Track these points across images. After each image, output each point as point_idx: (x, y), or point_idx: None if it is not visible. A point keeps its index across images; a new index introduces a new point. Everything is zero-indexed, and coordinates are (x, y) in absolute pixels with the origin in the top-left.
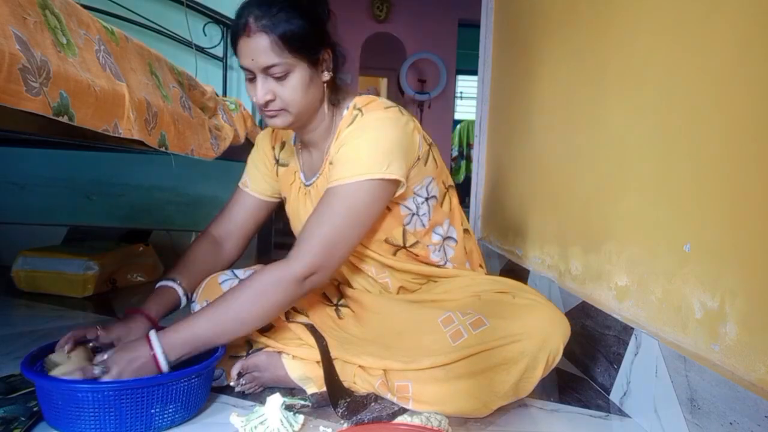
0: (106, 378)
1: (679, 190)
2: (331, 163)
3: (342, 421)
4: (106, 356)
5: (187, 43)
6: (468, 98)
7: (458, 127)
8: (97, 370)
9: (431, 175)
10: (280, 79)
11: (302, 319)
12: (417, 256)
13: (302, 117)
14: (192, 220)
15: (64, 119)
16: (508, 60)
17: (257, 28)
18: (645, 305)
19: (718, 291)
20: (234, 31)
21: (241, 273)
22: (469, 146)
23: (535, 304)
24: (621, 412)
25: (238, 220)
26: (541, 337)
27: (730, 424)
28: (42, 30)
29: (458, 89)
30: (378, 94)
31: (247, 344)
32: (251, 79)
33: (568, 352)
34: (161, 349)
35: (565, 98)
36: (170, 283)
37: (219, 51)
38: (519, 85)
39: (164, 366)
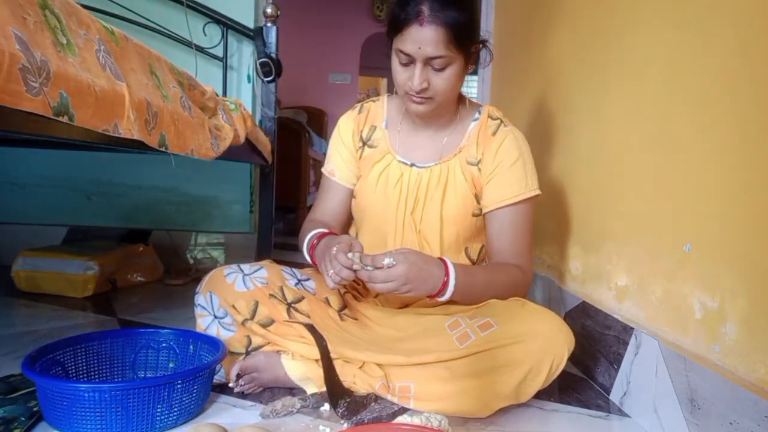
0: (395, 269)
1: (679, 190)
2: (471, 164)
3: (342, 421)
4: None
5: (187, 43)
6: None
7: None
8: (387, 260)
9: None
10: (438, 70)
11: (303, 318)
12: None
13: (444, 106)
14: (192, 220)
15: (64, 119)
16: (508, 60)
17: (431, 19)
18: (645, 305)
19: (718, 291)
20: (404, 16)
21: (247, 267)
22: None
23: (543, 312)
24: (621, 412)
25: (334, 210)
26: (547, 340)
27: (730, 424)
28: (42, 30)
29: None
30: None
31: (246, 339)
32: (406, 63)
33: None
34: (454, 276)
35: (564, 97)
36: (323, 230)
37: (219, 51)
38: (519, 84)
39: (449, 290)
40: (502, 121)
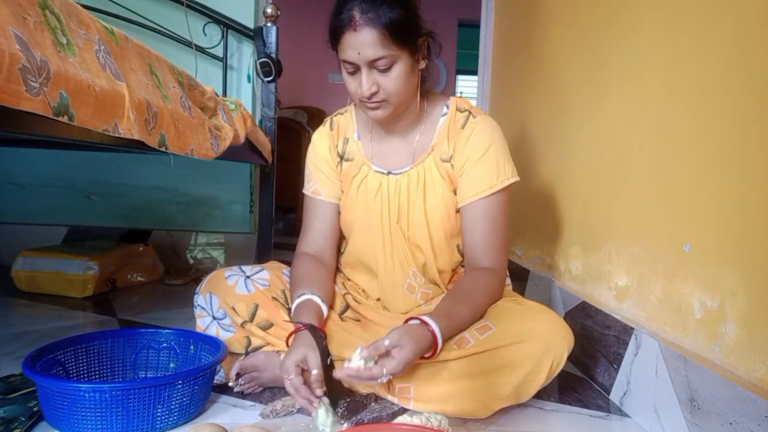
0: (400, 355)
1: (679, 190)
2: (445, 160)
3: (342, 421)
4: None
5: (187, 43)
6: (468, 98)
7: None
8: (387, 342)
9: None
10: (384, 71)
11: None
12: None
13: (401, 107)
14: (192, 220)
15: (64, 119)
16: (508, 60)
17: (364, 22)
18: (645, 305)
19: (718, 291)
20: (337, 25)
21: (249, 269)
22: None
23: (541, 311)
24: (621, 412)
25: (326, 232)
26: (546, 340)
27: (730, 424)
28: (42, 30)
29: (458, 89)
30: None
31: (246, 340)
32: (353, 72)
33: (569, 353)
34: (440, 333)
35: (565, 97)
36: (311, 297)
37: (219, 51)
38: (519, 84)
39: (440, 346)
40: (470, 113)
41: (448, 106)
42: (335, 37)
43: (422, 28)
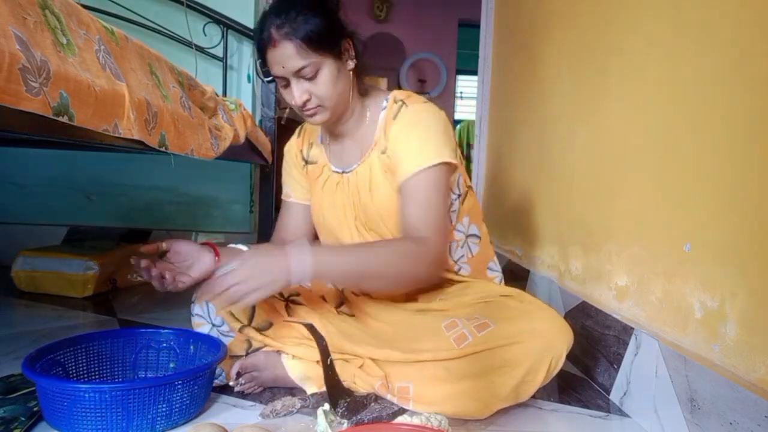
0: (234, 268)
1: (679, 190)
2: (383, 153)
3: (342, 421)
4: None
5: (187, 43)
6: (468, 98)
7: (458, 127)
8: (231, 265)
9: (459, 171)
10: (311, 78)
11: (302, 311)
12: None
13: (338, 109)
14: (192, 220)
15: (64, 119)
16: (508, 60)
17: (280, 37)
18: (645, 305)
19: (718, 291)
20: (259, 44)
21: None
22: (469, 146)
23: (541, 309)
24: (621, 412)
25: (290, 228)
26: (546, 338)
27: (730, 424)
28: (42, 30)
29: (458, 89)
30: None
31: (246, 342)
32: (285, 85)
33: (568, 352)
34: (300, 259)
35: (565, 97)
36: (241, 246)
37: (219, 51)
38: (519, 84)
39: (298, 272)
40: (404, 102)
41: (387, 100)
42: (261, 56)
43: (344, 30)
